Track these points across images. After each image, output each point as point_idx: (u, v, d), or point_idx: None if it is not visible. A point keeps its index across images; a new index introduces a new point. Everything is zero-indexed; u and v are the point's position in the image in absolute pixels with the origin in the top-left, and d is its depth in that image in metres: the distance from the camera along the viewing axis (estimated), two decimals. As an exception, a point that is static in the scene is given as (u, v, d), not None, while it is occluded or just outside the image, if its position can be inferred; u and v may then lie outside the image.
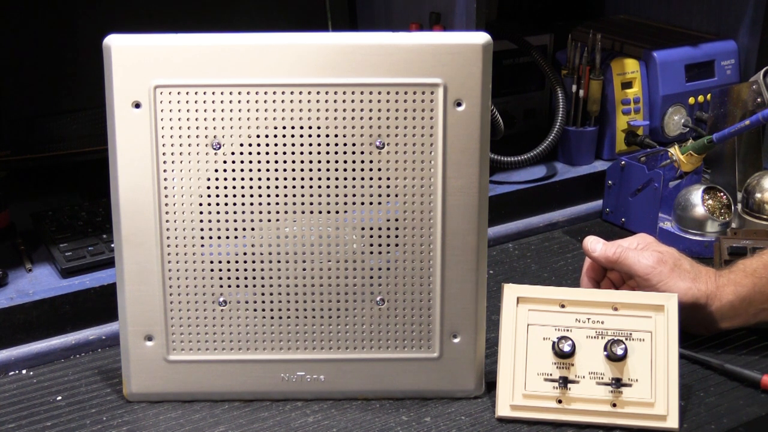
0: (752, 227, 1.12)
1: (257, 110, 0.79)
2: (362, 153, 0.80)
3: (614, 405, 0.81)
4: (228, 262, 0.82)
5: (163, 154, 0.80)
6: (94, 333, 0.93)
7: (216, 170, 0.80)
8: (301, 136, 0.80)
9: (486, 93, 0.80)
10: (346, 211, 0.81)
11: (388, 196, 0.81)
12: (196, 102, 0.79)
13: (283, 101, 0.79)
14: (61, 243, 1.00)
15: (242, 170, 0.80)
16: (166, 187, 0.80)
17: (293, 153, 0.80)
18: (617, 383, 0.81)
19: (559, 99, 1.24)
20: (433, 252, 0.82)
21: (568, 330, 0.83)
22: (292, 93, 0.79)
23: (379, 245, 0.82)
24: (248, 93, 0.79)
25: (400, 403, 0.85)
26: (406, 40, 0.79)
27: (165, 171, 0.80)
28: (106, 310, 0.93)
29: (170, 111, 0.79)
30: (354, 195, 0.81)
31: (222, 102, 0.79)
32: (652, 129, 1.33)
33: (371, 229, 0.82)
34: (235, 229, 0.81)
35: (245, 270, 0.82)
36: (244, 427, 0.81)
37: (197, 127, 0.79)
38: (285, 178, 0.80)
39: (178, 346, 0.83)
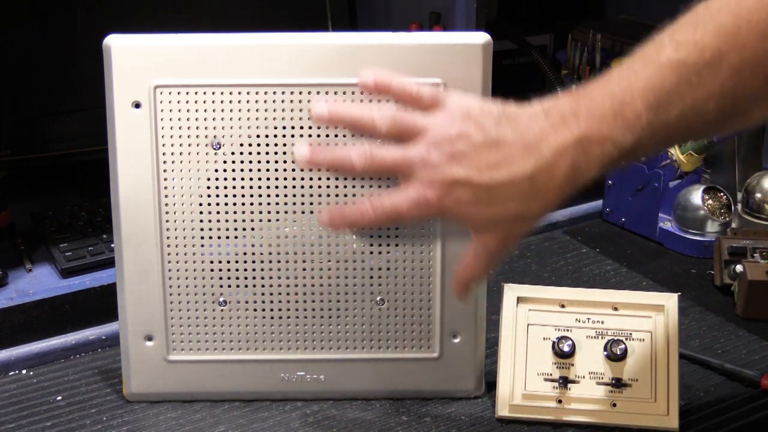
0: (752, 227, 1.12)
1: (257, 110, 0.79)
2: (362, 153, 0.80)
3: (614, 405, 0.81)
4: (228, 262, 0.82)
5: (163, 154, 0.79)
6: (94, 333, 0.93)
7: (216, 170, 0.80)
8: (301, 136, 0.80)
9: (486, 93, 0.80)
10: (346, 211, 0.81)
11: (388, 196, 0.81)
12: (196, 102, 0.79)
13: (283, 101, 0.79)
14: (61, 243, 0.99)
15: (242, 170, 0.80)
16: (166, 187, 0.80)
17: (293, 153, 0.80)
18: (617, 383, 0.81)
19: (559, 99, 1.24)
20: (433, 252, 0.82)
21: (568, 330, 0.83)
22: (292, 93, 0.79)
23: (379, 245, 0.82)
24: (248, 93, 0.79)
25: (400, 403, 0.85)
26: (406, 40, 0.79)
27: (165, 171, 0.80)
28: (106, 310, 0.93)
29: (170, 111, 0.79)
30: (354, 195, 0.81)
31: (222, 102, 0.79)
32: (652, 129, 1.32)
33: (371, 229, 0.82)
34: (235, 229, 0.81)
35: (245, 270, 0.82)
36: (244, 427, 0.81)
37: (197, 127, 0.79)
38: (285, 178, 0.80)
39: (178, 346, 0.83)
